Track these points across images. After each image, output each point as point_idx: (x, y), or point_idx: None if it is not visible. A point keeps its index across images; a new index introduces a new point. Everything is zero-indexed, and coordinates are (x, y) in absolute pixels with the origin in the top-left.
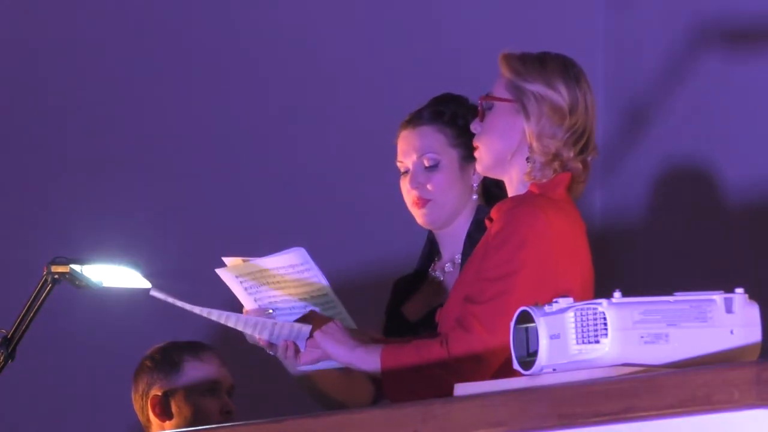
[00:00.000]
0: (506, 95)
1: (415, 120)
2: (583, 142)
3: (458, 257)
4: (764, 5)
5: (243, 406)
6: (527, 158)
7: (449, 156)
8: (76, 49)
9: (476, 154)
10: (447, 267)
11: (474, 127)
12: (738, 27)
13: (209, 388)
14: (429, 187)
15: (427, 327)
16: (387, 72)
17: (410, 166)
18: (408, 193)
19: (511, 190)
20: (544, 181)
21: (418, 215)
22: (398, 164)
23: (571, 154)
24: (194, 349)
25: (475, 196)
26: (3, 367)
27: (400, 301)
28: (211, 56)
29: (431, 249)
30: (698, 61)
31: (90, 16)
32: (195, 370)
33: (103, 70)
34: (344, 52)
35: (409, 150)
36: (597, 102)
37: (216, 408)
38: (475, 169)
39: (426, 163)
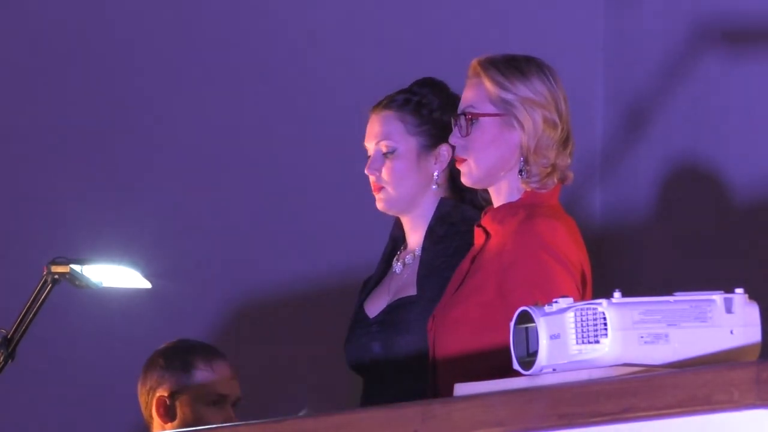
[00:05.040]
0: (492, 109)
1: (381, 105)
2: (570, 143)
3: (419, 250)
4: (764, 5)
5: (243, 405)
6: (520, 171)
7: (407, 144)
8: (77, 50)
9: (463, 167)
10: (407, 259)
11: (455, 140)
12: (738, 27)
13: (215, 399)
14: (384, 173)
15: (381, 323)
16: (382, 75)
17: (371, 151)
18: (369, 177)
19: (500, 199)
20: (544, 191)
21: (376, 200)
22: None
23: (568, 161)
24: (208, 355)
25: (434, 187)
26: (3, 367)
27: (364, 297)
28: (210, 59)
29: (395, 245)
30: (698, 61)
31: (91, 17)
32: (204, 379)
33: (105, 71)
34: (339, 56)
35: (370, 135)
36: (597, 102)
37: (219, 420)
38: (436, 159)
39: (383, 150)
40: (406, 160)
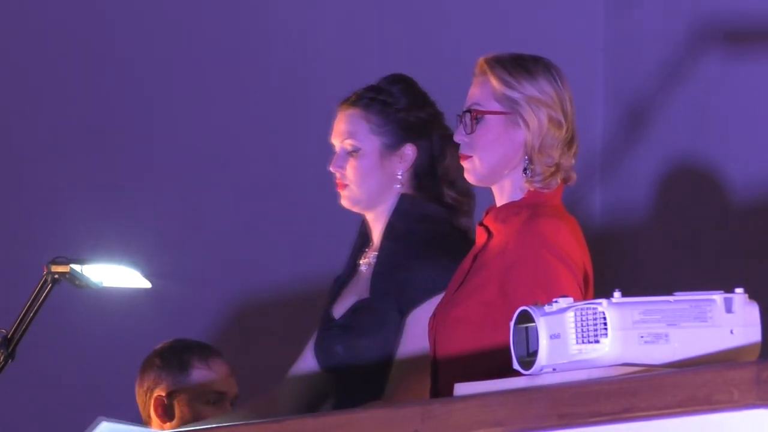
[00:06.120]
0: (498, 107)
1: (348, 102)
2: (575, 144)
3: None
4: (764, 5)
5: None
6: (524, 169)
7: (370, 143)
8: (77, 49)
9: (467, 164)
10: (371, 258)
11: (459, 137)
12: (738, 27)
13: (214, 398)
14: (348, 172)
15: (342, 326)
16: (382, 75)
17: (337, 148)
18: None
19: (503, 197)
20: (547, 191)
21: (340, 197)
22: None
23: (571, 162)
24: (204, 354)
25: (398, 186)
26: (3, 367)
27: (333, 299)
28: (209, 59)
29: (363, 242)
30: (698, 61)
31: (91, 17)
32: (202, 378)
33: (105, 71)
34: (340, 55)
35: (336, 132)
36: (597, 102)
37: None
38: (400, 158)
39: (348, 148)
40: (370, 159)
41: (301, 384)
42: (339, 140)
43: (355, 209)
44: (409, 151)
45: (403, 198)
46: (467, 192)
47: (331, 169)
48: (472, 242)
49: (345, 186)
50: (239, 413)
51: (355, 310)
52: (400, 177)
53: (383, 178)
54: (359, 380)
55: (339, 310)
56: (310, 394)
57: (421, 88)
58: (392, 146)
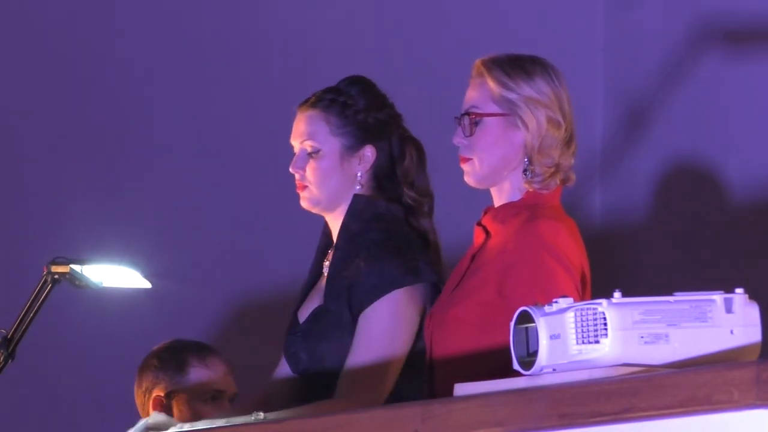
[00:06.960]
0: (497, 109)
1: (308, 103)
2: (573, 144)
3: None
4: (764, 5)
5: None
6: (524, 170)
7: (330, 145)
8: (77, 49)
9: (466, 167)
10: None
11: (458, 140)
12: (738, 27)
13: (212, 396)
14: (308, 173)
15: (304, 332)
16: (383, 75)
17: (297, 150)
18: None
19: (502, 198)
20: (545, 192)
21: (300, 198)
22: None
23: (571, 162)
24: (202, 353)
25: (358, 187)
26: (3, 367)
27: (299, 303)
28: (210, 59)
29: (327, 243)
30: (698, 61)
31: (91, 17)
32: (200, 377)
33: (105, 71)
34: (340, 55)
35: (296, 133)
36: (597, 102)
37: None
38: (360, 160)
39: (308, 149)
40: (330, 161)
41: (284, 387)
42: (299, 141)
43: (315, 210)
44: (369, 152)
45: (356, 198)
46: (427, 192)
47: (291, 170)
48: (431, 242)
49: (305, 187)
50: (236, 409)
51: (315, 314)
52: (359, 178)
53: (343, 180)
54: (325, 385)
55: (303, 314)
56: (293, 396)
57: (379, 89)
58: (352, 147)
